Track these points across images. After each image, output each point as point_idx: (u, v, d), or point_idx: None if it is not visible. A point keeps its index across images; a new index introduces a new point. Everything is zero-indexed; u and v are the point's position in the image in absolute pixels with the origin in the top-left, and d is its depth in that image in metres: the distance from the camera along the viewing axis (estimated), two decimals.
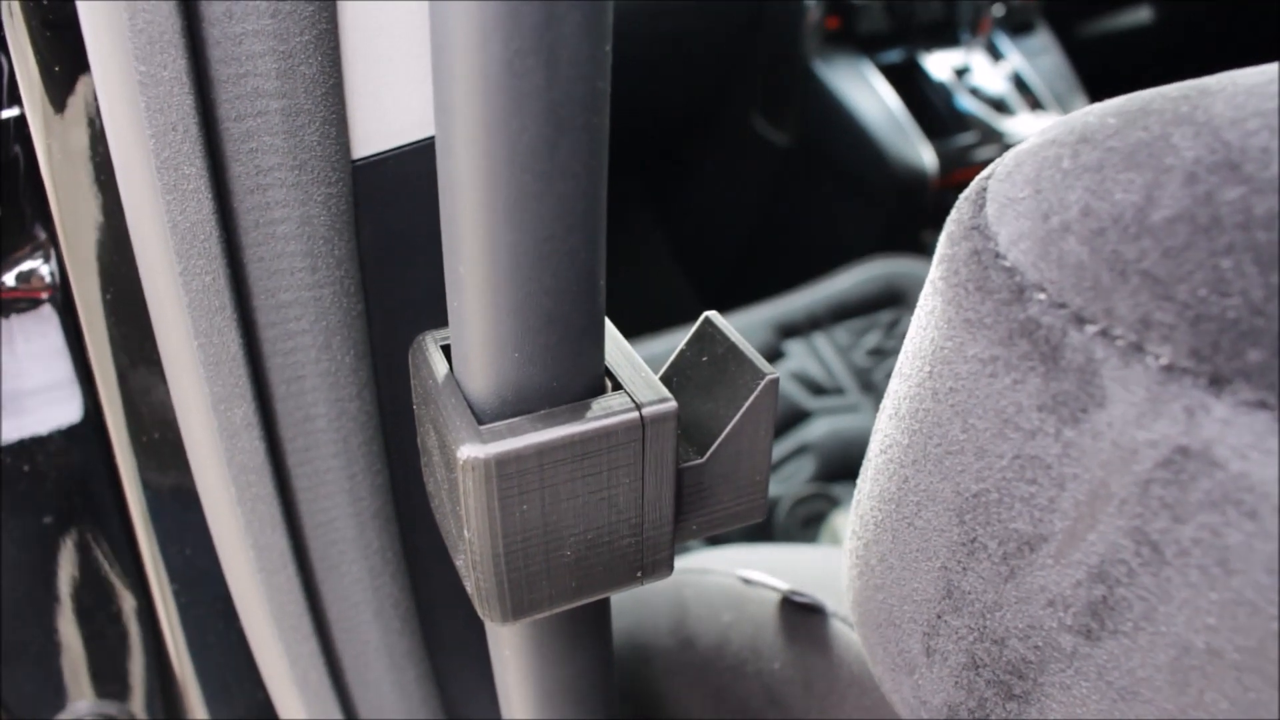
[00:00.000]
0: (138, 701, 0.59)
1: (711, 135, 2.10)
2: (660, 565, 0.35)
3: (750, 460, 0.35)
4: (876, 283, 1.59)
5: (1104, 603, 0.27)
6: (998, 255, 0.28)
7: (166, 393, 0.42)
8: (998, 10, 1.91)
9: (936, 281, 0.30)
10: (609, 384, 0.32)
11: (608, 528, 0.32)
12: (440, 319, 0.40)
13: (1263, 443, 0.22)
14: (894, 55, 1.89)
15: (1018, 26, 1.94)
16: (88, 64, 0.35)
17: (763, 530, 1.29)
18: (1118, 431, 0.25)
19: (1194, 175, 0.24)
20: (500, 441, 0.29)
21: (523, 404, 0.30)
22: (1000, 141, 1.83)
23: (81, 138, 0.38)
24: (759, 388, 0.34)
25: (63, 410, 0.51)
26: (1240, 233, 0.23)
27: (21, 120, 0.46)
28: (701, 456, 0.34)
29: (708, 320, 0.37)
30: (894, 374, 0.35)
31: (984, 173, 0.30)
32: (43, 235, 0.47)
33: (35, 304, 0.47)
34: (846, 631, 0.50)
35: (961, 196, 0.30)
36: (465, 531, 0.31)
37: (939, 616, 0.34)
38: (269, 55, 0.32)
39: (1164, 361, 0.24)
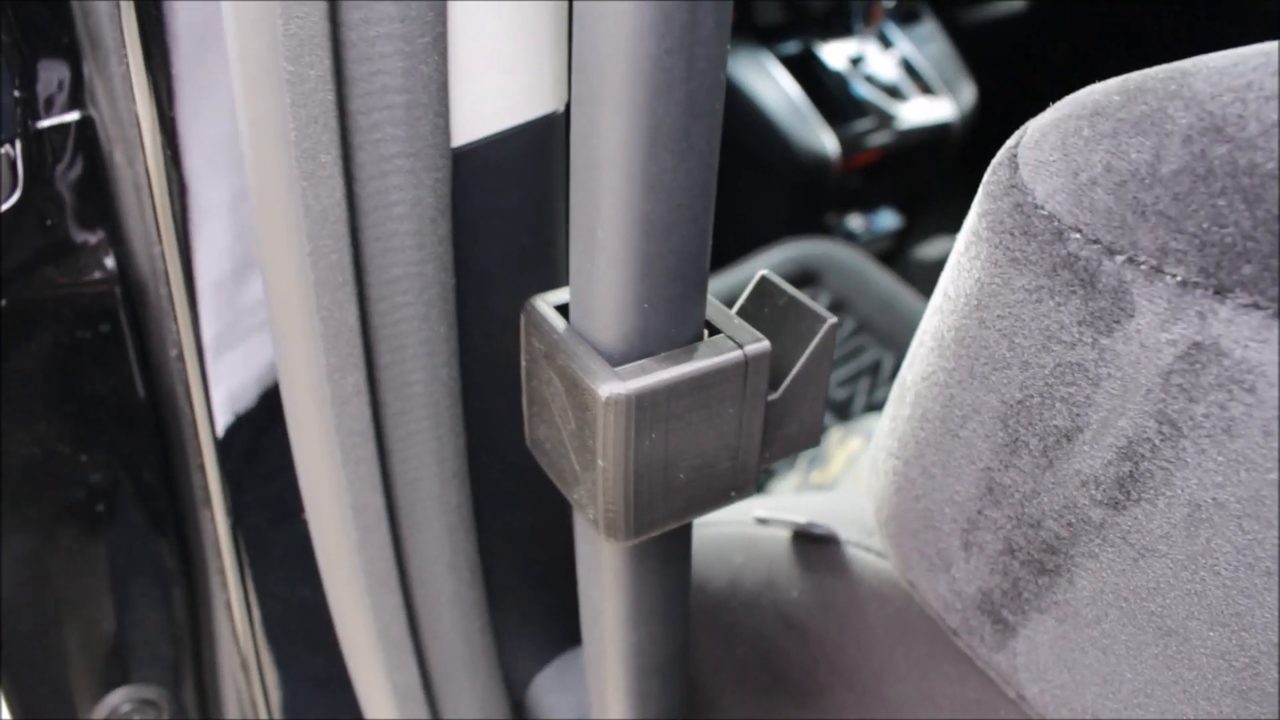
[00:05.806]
0: (187, 689, 0.62)
1: None
2: (747, 485, 0.40)
3: (813, 394, 0.41)
4: (791, 264, 1.64)
5: (1130, 476, 0.34)
6: (1037, 206, 0.34)
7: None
8: (887, 1, 2.02)
9: (981, 231, 0.37)
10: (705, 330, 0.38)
11: (712, 453, 0.38)
12: (504, 289, 0.45)
13: (1258, 335, 0.29)
14: (791, 46, 1.96)
15: (906, 16, 2.04)
16: (167, 63, 0.38)
17: None
18: (1145, 335, 0.31)
19: (1189, 138, 0.30)
20: (636, 380, 0.34)
21: (647, 349, 0.35)
22: (892, 126, 1.94)
23: (193, 135, 0.41)
24: (822, 330, 0.40)
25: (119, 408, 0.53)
26: (1229, 179, 0.30)
27: (84, 123, 0.49)
28: (775, 392, 0.40)
29: (764, 278, 0.43)
30: (929, 314, 0.42)
31: (1009, 143, 0.37)
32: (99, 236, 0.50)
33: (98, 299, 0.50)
34: (862, 555, 0.56)
35: (994, 163, 0.37)
36: (599, 461, 0.35)
37: (979, 512, 0.40)
38: (396, 55, 0.36)
39: (1179, 278, 0.30)
